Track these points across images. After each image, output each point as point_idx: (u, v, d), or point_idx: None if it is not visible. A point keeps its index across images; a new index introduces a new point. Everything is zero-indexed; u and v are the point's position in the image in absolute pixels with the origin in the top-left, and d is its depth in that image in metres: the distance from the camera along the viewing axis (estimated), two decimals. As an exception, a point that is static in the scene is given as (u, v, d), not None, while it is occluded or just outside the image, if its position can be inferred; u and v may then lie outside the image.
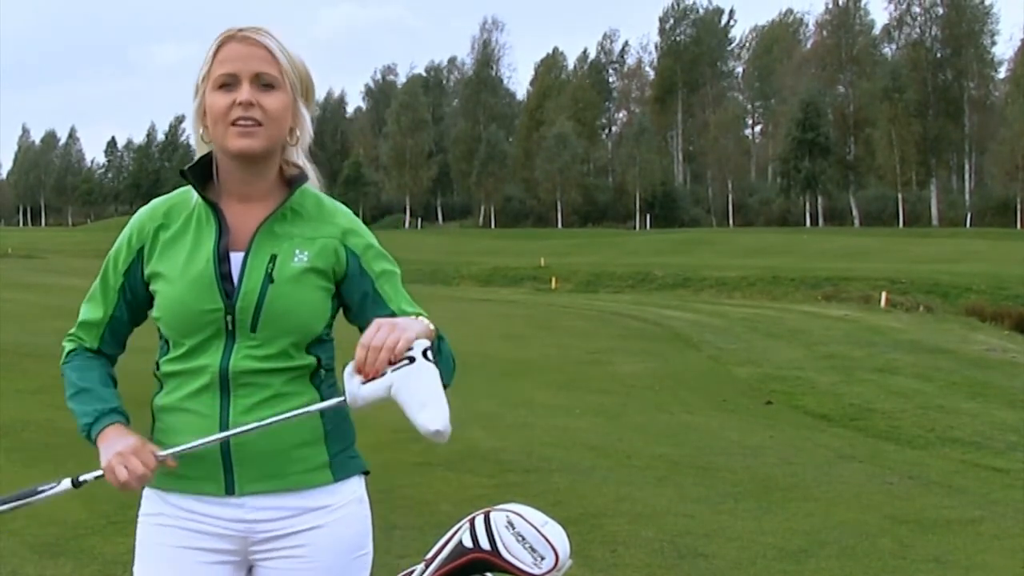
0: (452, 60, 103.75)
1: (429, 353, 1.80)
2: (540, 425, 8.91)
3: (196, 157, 2.03)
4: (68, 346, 2.11)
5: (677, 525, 5.68)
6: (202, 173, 2.01)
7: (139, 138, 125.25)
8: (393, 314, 1.98)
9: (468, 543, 1.73)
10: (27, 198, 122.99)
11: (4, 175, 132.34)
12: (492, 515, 1.74)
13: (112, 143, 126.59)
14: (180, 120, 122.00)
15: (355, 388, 1.80)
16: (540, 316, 21.21)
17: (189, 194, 2.04)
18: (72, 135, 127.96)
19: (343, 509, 2.02)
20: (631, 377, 12.42)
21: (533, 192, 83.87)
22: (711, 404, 10.66)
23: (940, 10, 70.04)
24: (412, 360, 1.78)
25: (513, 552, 1.71)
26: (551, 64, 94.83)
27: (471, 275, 42.50)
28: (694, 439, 8.52)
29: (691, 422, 9.50)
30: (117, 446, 1.92)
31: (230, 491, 1.98)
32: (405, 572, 1.90)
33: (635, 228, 76.21)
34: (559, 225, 79.00)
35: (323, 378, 2.03)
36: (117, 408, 2.00)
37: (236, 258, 1.97)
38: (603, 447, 8.02)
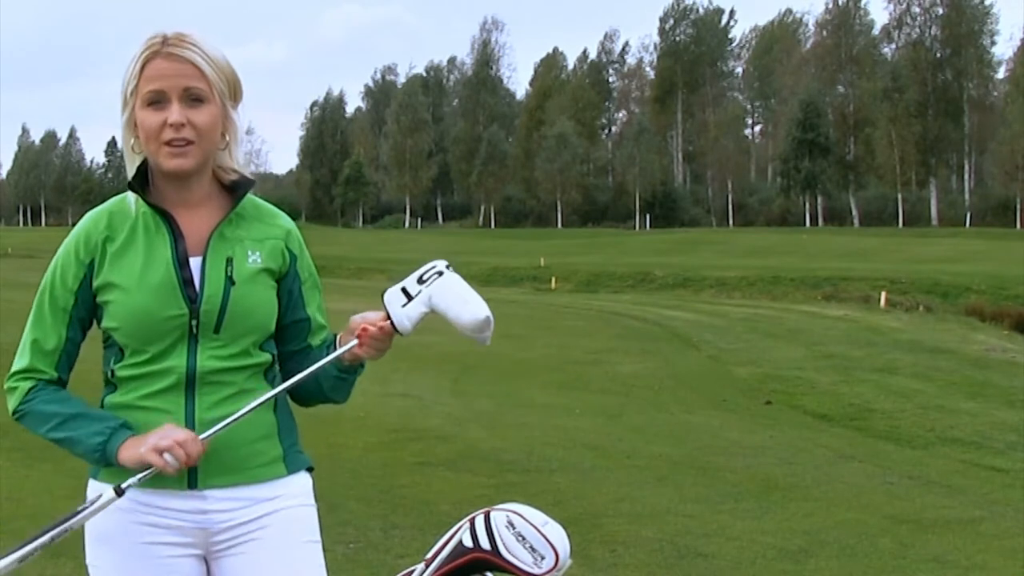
0: (452, 60, 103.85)
1: (451, 268, 1.99)
2: (540, 425, 8.91)
3: (129, 166, 2.05)
4: (23, 385, 2.03)
5: (677, 525, 5.68)
6: (138, 181, 2.04)
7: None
8: (308, 319, 2.12)
9: (468, 543, 1.73)
10: (27, 198, 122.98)
11: (4, 175, 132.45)
12: (492, 515, 1.74)
13: (112, 143, 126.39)
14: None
15: (399, 311, 1.94)
16: (540, 316, 21.22)
17: (125, 203, 2.05)
18: (72, 135, 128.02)
19: (295, 499, 2.09)
20: (631, 377, 12.43)
21: (533, 192, 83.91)
22: (711, 404, 10.66)
23: (940, 10, 70.07)
24: (441, 273, 1.96)
25: (513, 552, 1.71)
26: (551, 64, 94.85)
27: (471, 275, 41.81)
28: (694, 439, 8.52)
29: (691, 422, 9.50)
30: (149, 439, 1.92)
31: (192, 485, 2.01)
32: (405, 572, 1.90)
33: (635, 228, 76.22)
34: (559, 225, 79.02)
35: (276, 374, 2.11)
36: (125, 424, 1.99)
37: (194, 263, 2.01)
38: (603, 447, 8.01)
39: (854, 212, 71.66)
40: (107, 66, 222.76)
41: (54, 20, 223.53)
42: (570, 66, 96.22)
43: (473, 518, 1.75)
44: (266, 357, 2.07)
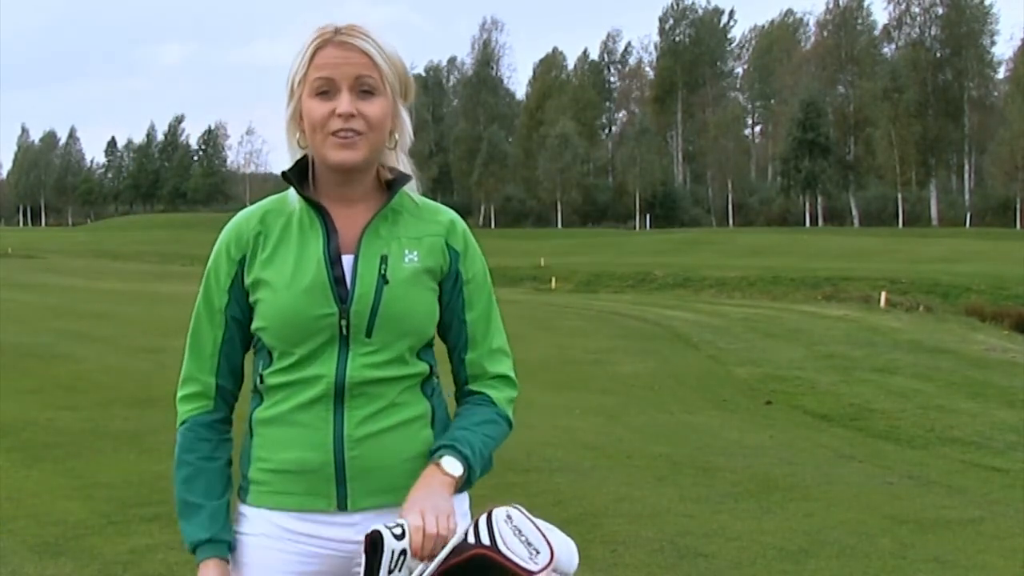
0: (452, 60, 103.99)
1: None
2: (540, 425, 8.90)
3: (291, 160, 1.96)
4: (183, 409, 1.97)
5: (677, 525, 5.68)
6: (297, 175, 1.95)
7: (139, 138, 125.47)
8: (464, 323, 1.98)
9: (471, 539, 1.74)
10: (27, 198, 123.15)
11: (4, 175, 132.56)
12: (494, 511, 1.75)
13: (112, 143, 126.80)
14: (180, 120, 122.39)
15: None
16: (540, 316, 21.21)
17: (283, 200, 1.96)
18: (72, 135, 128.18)
19: None
20: (631, 377, 12.43)
21: (533, 192, 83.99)
22: (711, 404, 10.66)
23: (940, 10, 70.11)
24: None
25: (510, 546, 1.71)
26: (551, 64, 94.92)
27: (471, 275, 42.40)
28: (694, 439, 8.52)
29: (691, 422, 9.51)
30: None
31: (342, 507, 1.90)
32: (406, 571, 1.90)
33: (635, 228, 76.27)
34: (559, 225, 79.06)
35: (435, 387, 1.98)
36: (217, 538, 1.90)
37: (347, 260, 1.90)
38: (603, 447, 8.02)
39: (854, 212, 71.69)
40: (107, 66, 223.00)
41: (54, 20, 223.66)
42: (570, 66, 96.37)
43: (477, 518, 1.75)
44: (423, 367, 1.94)
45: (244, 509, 1.97)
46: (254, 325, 1.93)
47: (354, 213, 1.93)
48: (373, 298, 1.88)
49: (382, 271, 1.89)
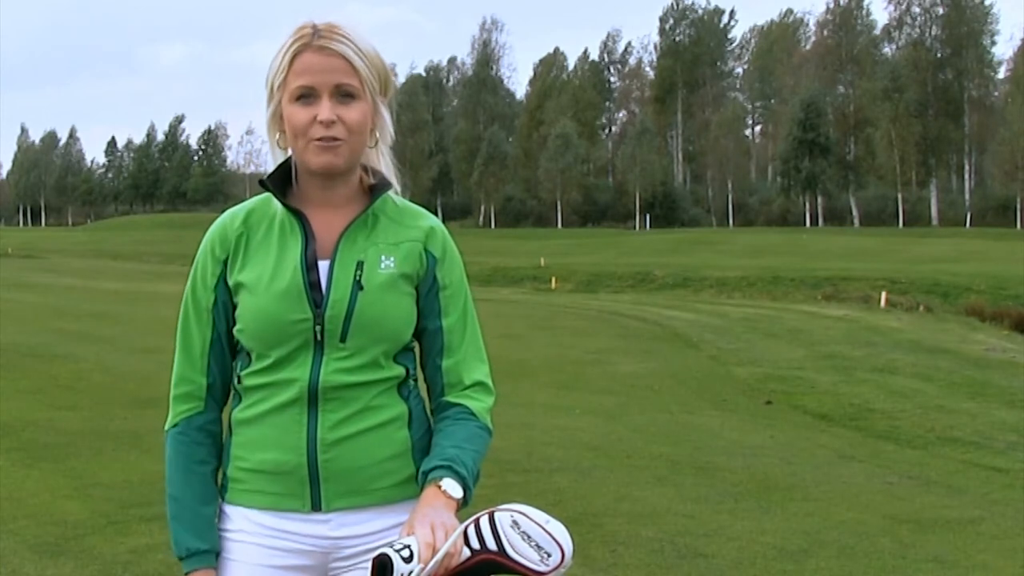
0: (452, 60, 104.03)
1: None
2: (540, 425, 8.91)
3: (272, 162, 1.97)
4: (176, 409, 1.98)
5: (677, 525, 5.69)
6: (280, 178, 1.95)
7: (139, 138, 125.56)
8: (440, 329, 1.98)
9: (476, 544, 1.73)
10: (27, 198, 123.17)
11: (4, 175, 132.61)
12: (496, 515, 1.74)
13: (112, 143, 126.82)
14: (180, 120, 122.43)
15: None
16: (540, 316, 21.21)
17: (267, 201, 1.96)
18: (72, 135, 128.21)
19: None
20: (631, 377, 12.42)
21: (533, 192, 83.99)
22: (711, 404, 10.66)
23: (940, 10, 70.13)
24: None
25: (520, 551, 1.71)
26: (551, 64, 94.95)
27: (471, 275, 41.66)
28: (694, 439, 8.52)
29: (691, 422, 9.50)
30: None
31: (316, 507, 1.93)
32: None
33: (635, 228, 76.26)
34: (559, 225, 79.05)
35: (411, 389, 1.99)
36: (211, 549, 1.93)
37: (323, 266, 1.91)
38: (603, 447, 8.02)
39: (854, 212, 71.69)
40: (107, 66, 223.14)
41: (54, 20, 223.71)
42: (570, 66, 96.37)
43: (477, 519, 1.75)
44: (399, 371, 1.95)
45: (222, 505, 1.98)
46: (235, 327, 1.95)
47: (334, 217, 1.94)
48: (348, 304, 1.89)
49: (357, 277, 1.90)
